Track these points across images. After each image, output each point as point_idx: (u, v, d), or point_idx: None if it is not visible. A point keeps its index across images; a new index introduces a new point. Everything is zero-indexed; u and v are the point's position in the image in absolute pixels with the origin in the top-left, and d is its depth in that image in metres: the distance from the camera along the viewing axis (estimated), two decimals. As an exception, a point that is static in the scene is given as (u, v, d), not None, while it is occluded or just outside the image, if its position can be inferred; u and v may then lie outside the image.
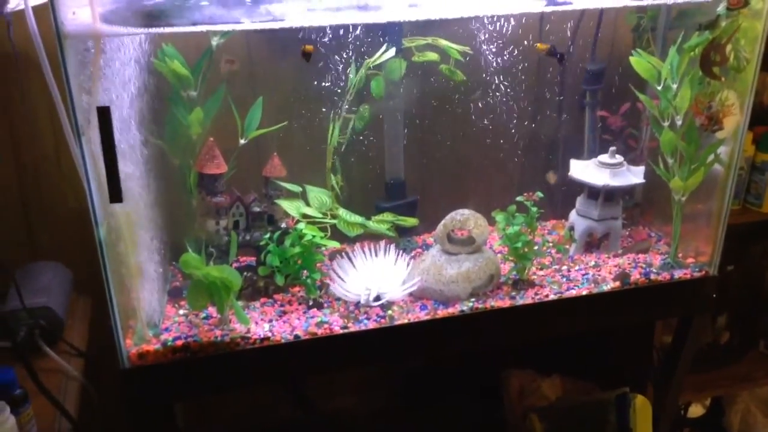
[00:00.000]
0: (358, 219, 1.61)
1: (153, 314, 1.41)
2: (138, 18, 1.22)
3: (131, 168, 1.30)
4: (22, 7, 1.18)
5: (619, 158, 1.69)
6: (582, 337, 1.96)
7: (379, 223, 1.66)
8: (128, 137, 1.29)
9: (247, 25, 1.29)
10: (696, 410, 2.43)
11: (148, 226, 1.42)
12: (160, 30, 1.27)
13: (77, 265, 1.61)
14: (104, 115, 1.12)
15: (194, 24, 1.25)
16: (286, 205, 1.54)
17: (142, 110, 1.40)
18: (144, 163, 1.40)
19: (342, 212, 1.60)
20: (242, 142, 1.51)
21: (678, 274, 1.63)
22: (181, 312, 1.47)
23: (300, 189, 1.57)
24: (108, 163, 1.15)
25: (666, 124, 1.57)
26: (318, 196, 1.59)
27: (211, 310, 1.46)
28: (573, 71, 1.79)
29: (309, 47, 1.41)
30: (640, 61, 1.56)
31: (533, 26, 1.66)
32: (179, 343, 1.35)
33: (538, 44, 1.62)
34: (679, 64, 1.51)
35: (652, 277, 1.62)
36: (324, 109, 1.61)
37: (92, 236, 1.21)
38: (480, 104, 1.72)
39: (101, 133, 1.13)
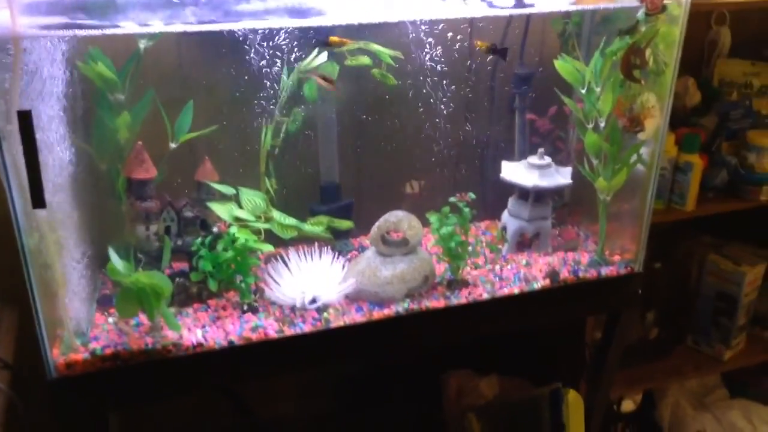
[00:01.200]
0: (292, 222, 1.61)
1: (81, 323, 1.38)
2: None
3: (56, 173, 1.28)
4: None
5: (547, 160, 1.74)
6: (518, 336, 2.01)
7: (314, 225, 1.66)
8: (52, 141, 1.27)
9: (177, 27, 1.28)
10: (629, 405, 2.50)
11: (75, 233, 1.39)
12: (84, 32, 1.24)
13: (2, 274, 1.56)
14: (25, 119, 1.09)
15: (117, 26, 1.23)
16: (217, 208, 1.53)
17: (68, 114, 1.37)
18: (70, 168, 1.37)
19: (276, 215, 1.59)
20: (173, 146, 1.49)
21: (605, 271, 1.69)
22: (111, 320, 1.44)
23: (233, 191, 1.56)
24: (30, 168, 1.12)
25: (590, 126, 1.62)
26: (251, 198, 1.58)
27: (143, 317, 1.43)
28: (503, 76, 1.83)
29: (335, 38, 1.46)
30: (564, 66, 1.61)
31: (463, 31, 1.69)
32: (108, 351, 1.33)
33: (478, 42, 1.64)
34: (601, 68, 1.56)
35: (581, 274, 1.66)
36: (257, 113, 1.60)
37: (16, 244, 1.18)
38: (413, 107, 1.74)
39: (22, 138, 1.10)
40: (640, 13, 1.48)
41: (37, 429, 1.42)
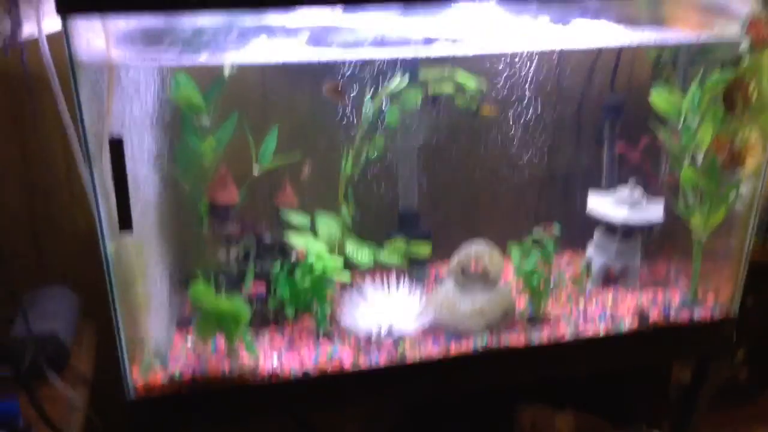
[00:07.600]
0: (364, 261, 1.58)
1: (161, 344, 1.39)
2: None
3: (142, 195, 1.29)
4: (36, 35, 1.17)
5: (638, 193, 1.66)
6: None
7: (391, 252, 1.63)
8: (139, 165, 1.28)
9: (262, 57, 1.29)
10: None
11: (157, 255, 1.40)
12: (174, 61, 1.26)
13: (85, 289, 1.59)
14: (116, 147, 1.11)
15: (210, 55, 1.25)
16: (295, 239, 1.52)
17: (155, 137, 1.39)
18: (155, 191, 1.38)
19: (349, 249, 1.57)
20: (256, 171, 1.50)
21: (697, 313, 1.60)
22: (189, 343, 1.45)
23: (308, 224, 1.55)
24: (119, 193, 1.13)
25: (686, 161, 1.54)
26: (327, 227, 1.57)
27: (220, 341, 1.43)
28: (591, 105, 1.77)
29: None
30: (660, 97, 1.53)
31: (549, 59, 1.65)
32: (187, 375, 1.33)
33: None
34: (700, 100, 1.48)
35: (671, 317, 1.58)
36: (338, 139, 1.59)
37: (101, 262, 1.19)
38: (496, 136, 1.70)
39: (113, 166, 1.11)
40: (744, 45, 1.40)
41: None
